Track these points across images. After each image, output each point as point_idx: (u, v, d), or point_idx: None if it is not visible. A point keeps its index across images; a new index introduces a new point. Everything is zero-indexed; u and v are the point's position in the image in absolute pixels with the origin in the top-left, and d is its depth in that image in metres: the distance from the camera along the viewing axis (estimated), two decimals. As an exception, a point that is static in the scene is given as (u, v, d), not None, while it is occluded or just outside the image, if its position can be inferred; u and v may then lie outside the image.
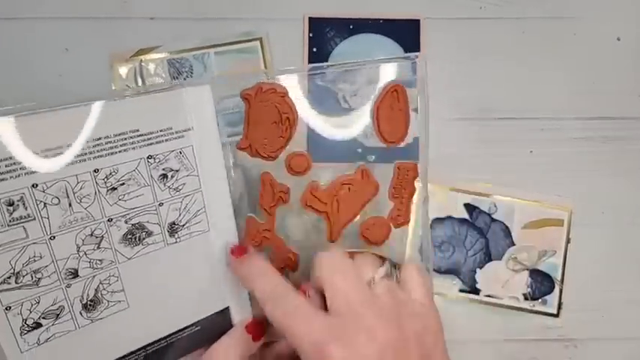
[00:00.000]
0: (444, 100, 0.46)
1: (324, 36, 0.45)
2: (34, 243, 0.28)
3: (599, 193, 0.47)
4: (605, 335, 0.47)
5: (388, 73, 0.35)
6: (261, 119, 0.34)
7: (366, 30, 0.45)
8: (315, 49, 0.45)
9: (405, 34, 0.45)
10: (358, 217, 0.36)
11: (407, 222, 0.37)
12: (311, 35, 0.45)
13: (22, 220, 0.28)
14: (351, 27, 0.45)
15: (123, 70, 0.44)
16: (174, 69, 0.44)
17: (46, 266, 0.29)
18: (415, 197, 0.37)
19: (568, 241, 0.46)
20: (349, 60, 0.45)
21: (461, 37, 0.46)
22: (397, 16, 0.45)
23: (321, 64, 0.35)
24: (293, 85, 0.35)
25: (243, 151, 0.34)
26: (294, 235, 0.36)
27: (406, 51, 0.45)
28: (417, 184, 0.37)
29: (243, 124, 0.34)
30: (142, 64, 0.44)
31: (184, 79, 0.44)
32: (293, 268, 0.36)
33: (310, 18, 0.45)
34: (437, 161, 0.46)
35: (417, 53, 0.35)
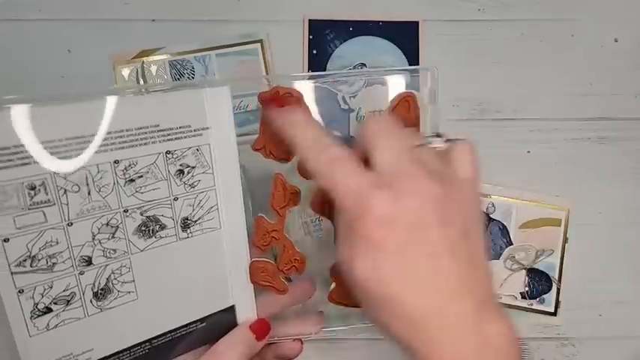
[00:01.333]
0: (442, 101, 0.46)
1: (324, 38, 0.45)
2: (52, 228, 0.29)
3: (596, 192, 0.47)
4: (602, 334, 0.48)
5: (393, 83, 0.35)
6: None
7: (366, 32, 0.46)
8: (315, 51, 0.45)
9: (405, 36, 0.46)
10: None
11: None
12: (311, 37, 0.46)
13: (42, 205, 0.28)
14: (350, 29, 0.46)
15: (125, 72, 0.44)
16: (175, 70, 0.45)
17: (62, 252, 0.29)
18: None
19: (565, 240, 0.47)
20: (348, 64, 0.46)
21: (459, 39, 0.47)
22: (396, 18, 0.46)
23: (329, 72, 0.36)
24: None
25: (258, 151, 0.35)
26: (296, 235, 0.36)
27: (405, 52, 0.46)
28: None
29: (259, 125, 0.34)
30: (144, 65, 0.44)
31: (190, 78, 0.45)
32: (299, 270, 0.36)
33: (310, 20, 0.46)
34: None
35: (418, 67, 0.35)
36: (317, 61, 0.45)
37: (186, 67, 0.45)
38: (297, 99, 0.33)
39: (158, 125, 0.31)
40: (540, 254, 0.47)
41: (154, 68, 0.44)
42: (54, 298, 0.30)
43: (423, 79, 0.35)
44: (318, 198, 0.35)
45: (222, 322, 0.36)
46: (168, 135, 0.31)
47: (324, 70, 0.45)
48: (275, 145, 0.34)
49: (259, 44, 0.45)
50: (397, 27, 0.46)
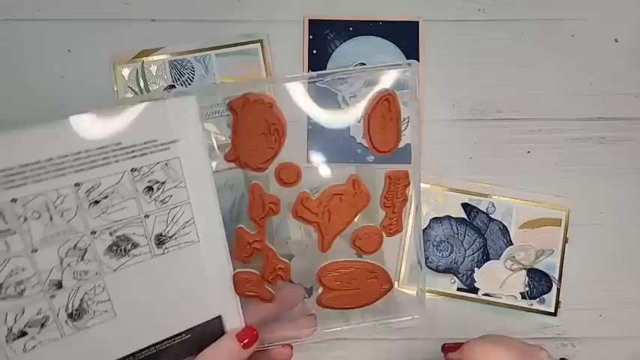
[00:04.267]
0: (442, 101, 0.47)
1: (324, 38, 0.45)
2: (16, 256, 0.28)
3: (596, 193, 0.47)
4: (602, 334, 0.47)
5: (383, 79, 0.35)
6: (249, 131, 0.33)
7: (366, 32, 0.46)
8: (315, 51, 0.45)
9: (405, 36, 0.46)
10: (350, 226, 0.36)
11: (400, 230, 0.37)
12: (311, 37, 0.45)
13: (2, 234, 0.28)
14: (350, 29, 0.46)
15: (125, 72, 0.44)
16: (175, 70, 0.45)
17: (29, 278, 0.29)
18: (408, 205, 0.36)
19: (566, 240, 0.47)
20: (347, 64, 0.46)
21: (459, 39, 0.47)
22: (396, 18, 0.46)
23: (315, 72, 0.35)
24: (294, 89, 0.35)
25: (231, 162, 0.34)
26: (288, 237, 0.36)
27: (405, 52, 0.46)
28: (409, 192, 0.36)
29: (231, 135, 0.33)
30: (144, 65, 0.44)
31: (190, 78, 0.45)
32: (285, 278, 0.36)
33: (310, 20, 0.46)
34: (435, 161, 0.46)
35: (410, 61, 0.35)
36: (317, 61, 0.45)
37: (186, 67, 0.45)
38: (268, 105, 0.32)
39: (120, 143, 0.30)
40: (540, 254, 0.47)
41: (154, 68, 0.44)
42: (27, 322, 0.30)
43: (408, 75, 0.35)
44: (299, 204, 0.34)
45: (209, 333, 0.35)
46: (133, 152, 0.30)
47: (324, 68, 0.45)
48: (249, 154, 0.33)
49: (259, 44, 0.45)
50: (397, 27, 0.46)
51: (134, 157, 0.30)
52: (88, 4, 0.45)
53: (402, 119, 0.35)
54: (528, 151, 0.47)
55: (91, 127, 0.29)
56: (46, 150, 0.28)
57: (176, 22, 0.45)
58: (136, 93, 0.44)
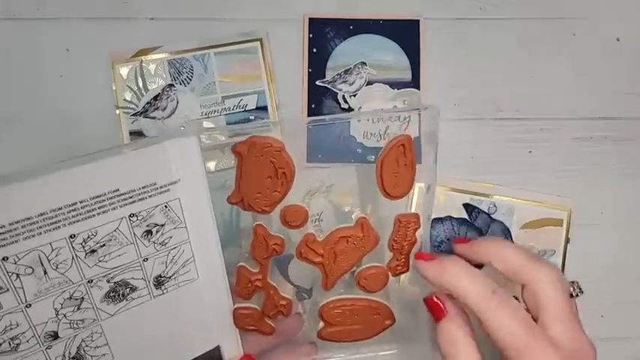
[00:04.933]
0: (443, 101, 0.46)
1: (324, 36, 0.45)
2: (10, 313, 0.27)
3: (598, 193, 0.47)
4: (604, 335, 0.47)
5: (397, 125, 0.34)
6: (255, 174, 0.32)
7: (366, 30, 0.45)
8: (315, 50, 0.45)
9: (405, 34, 0.46)
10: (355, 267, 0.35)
11: (406, 271, 0.36)
12: (311, 36, 0.45)
13: None
14: (351, 27, 0.45)
15: (123, 71, 0.44)
16: (174, 69, 0.44)
17: (24, 332, 0.28)
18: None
19: (567, 241, 0.47)
20: (348, 62, 0.46)
21: (460, 38, 0.46)
22: (397, 16, 0.46)
23: (322, 118, 0.35)
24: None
25: (234, 205, 0.33)
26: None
27: (406, 51, 0.46)
28: (419, 234, 0.35)
29: (235, 178, 0.32)
30: (143, 64, 0.44)
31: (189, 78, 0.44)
32: (286, 314, 0.36)
33: (310, 18, 0.45)
34: (436, 161, 0.46)
35: (427, 105, 0.34)
36: (317, 60, 0.45)
37: (185, 66, 0.44)
38: (277, 149, 0.31)
39: (117, 190, 0.28)
40: (542, 254, 0.47)
41: (152, 67, 0.44)
42: None
43: (422, 119, 0.34)
44: (304, 246, 0.34)
45: None
46: (131, 197, 0.29)
47: (325, 67, 0.45)
48: (254, 197, 0.32)
49: (259, 43, 0.45)
50: (398, 25, 0.45)
51: (133, 202, 0.29)
52: (87, 2, 0.45)
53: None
54: (530, 151, 0.47)
55: (87, 178, 0.28)
56: (38, 205, 0.27)
57: (175, 20, 0.45)
58: (134, 92, 0.44)
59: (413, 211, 0.36)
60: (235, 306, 0.35)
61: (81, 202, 0.27)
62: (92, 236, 0.28)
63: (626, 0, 0.47)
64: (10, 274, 0.27)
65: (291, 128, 0.36)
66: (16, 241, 0.26)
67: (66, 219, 0.27)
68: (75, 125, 0.44)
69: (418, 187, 0.36)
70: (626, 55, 0.47)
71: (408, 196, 0.35)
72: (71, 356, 0.30)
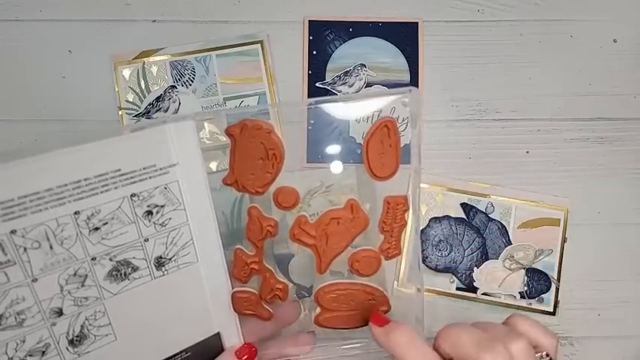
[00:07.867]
0: (441, 102, 0.47)
1: (323, 39, 0.46)
2: (17, 286, 0.28)
3: (595, 192, 0.47)
4: (601, 333, 0.48)
5: (384, 104, 0.35)
6: (247, 155, 0.33)
7: (366, 33, 0.46)
8: (315, 52, 0.46)
9: (404, 36, 0.46)
10: (347, 249, 0.36)
11: (398, 254, 0.37)
12: (311, 38, 0.46)
13: (2, 265, 0.28)
14: (350, 30, 0.46)
15: (126, 72, 0.45)
16: (176, 71, 0.45)
17: (30, 307, 0.29)
18: (406, 228, 0.36)
19: (564, 240, 0.47)
20: (347, 65, 0.46)
21: (459, 40, 0.47)
22: (396, 19, 0.46)
23: (314, 99, 0.35)
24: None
25: (229, 186, 0.34)
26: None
27: (404, 53, 0.46)
28: (408, 216, 0.36)
29: (229, 160, 0.33)
30: (145, 66, 0.45)
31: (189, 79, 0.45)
32: (282, 298, 0.36)
33: (310, 21, 0.46)
34: (434, 161, 0.47)
35: (410, 87, 0.35)
36: (317, 62, 0.46)
37: (187, 68, 0.45)
38: (267, 131, 0.33)
39: (119, 170, 0.30)
40: (539, 254, 0.47)
41: (154, 69, 0.45)
42: (28, 351, 0.29)
43: (407, 100, 0.35)
44: (296, 228, 0.34)
45: (208, 350, 0.35)
46: (132, 178, 0.30)
47: (324, 69, 0.46)
48: (247, 178, 0.34)
49: (259, 45, 0.45)
50: (397, 28, 0.46)
51: (134, 182, 0.30)
52: (89, 4, 0.45)
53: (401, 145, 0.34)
54: (527, 152, 0.47)
55: (90, 157, 0.29)
56: (45, 181, 0.28)
57: (177, 22, 0.45)
58: (136, 94, 0.45)
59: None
60: (234, 289, 0.35)
61: (85, 179, 0.29)
62: (96, 214, 0.30)
63: (623, 2, 0.47)
64: (18, 247, 0.28)
65: (291, 112, 0.37)
66: (25, 215, 0.27)
67: (71, 195, 0.29)
68: (77, 126, 0.45)
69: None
70: (623, 57, 0.47)
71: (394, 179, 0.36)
72: (75, 334, 0.31)
